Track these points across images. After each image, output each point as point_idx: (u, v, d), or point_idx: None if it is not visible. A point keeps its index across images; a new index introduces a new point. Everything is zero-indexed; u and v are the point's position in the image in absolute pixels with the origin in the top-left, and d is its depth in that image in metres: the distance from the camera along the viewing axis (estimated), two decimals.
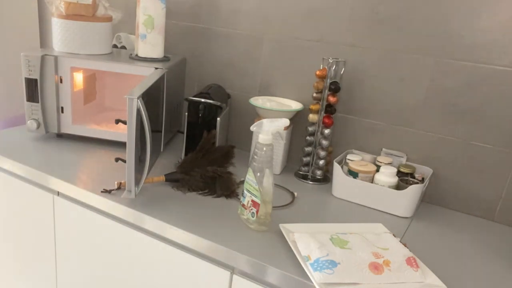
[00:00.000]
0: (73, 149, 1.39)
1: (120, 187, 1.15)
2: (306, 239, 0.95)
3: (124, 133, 1.07)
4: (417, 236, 1.09)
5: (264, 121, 1.00)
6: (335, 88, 1.28)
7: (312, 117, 1.32)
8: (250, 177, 1.01)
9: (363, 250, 0.93)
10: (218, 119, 1.35)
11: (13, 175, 1.32)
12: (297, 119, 1.42)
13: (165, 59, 1.45)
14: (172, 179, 1.21)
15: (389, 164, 1.26)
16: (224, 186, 1.20)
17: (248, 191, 1.02)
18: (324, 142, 1.31)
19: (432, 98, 1.23)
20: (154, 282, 1.13)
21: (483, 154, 1.20)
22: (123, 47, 1.66)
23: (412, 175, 1.24)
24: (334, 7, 1.30)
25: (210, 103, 1.34)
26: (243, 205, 1.05)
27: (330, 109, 1.30)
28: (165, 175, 1.21)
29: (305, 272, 0.88)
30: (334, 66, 1.29)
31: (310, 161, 1.36)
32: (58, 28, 1.38)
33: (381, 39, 1.26)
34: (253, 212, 1.02)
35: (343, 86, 1.34)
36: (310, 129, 1.34)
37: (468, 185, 1.23)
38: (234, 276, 0.99)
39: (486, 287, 0.92)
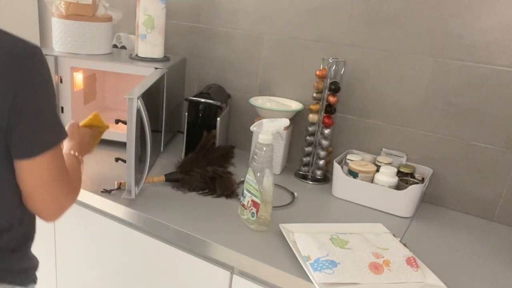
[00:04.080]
0: None
1: (120, 187, 1.15)
2: (306, 239, 0.95)
3: (124, 133, 1.07)
4: (417, 236, 1.09)
5: (264, 121, 1.00)
6: (335, 88, 1.28)
7: (312, 117, 1.32)
8: (250, 177, 1.01)
9: (363, 250, 0.93)
10: (218, 119, 1.35)
11: None
12: (297, 119, 1.42)
13: (165, 59, 1.45)
14: (172, 179, 1.21)
15: (389, 164, 1.26)
16: (224, 186, 1.20)
17: (248, 191, 1.02)
18: (324, 142, 1.31)
19: (432, 98, 1.23)
20: (154, 282, 1.13)
21: (483, 154, 1.20)
22: (123, 47, 1.66)
23: (412, 175, 1.24)
24: (334, 7, 1.30)
25: (210, 103, 1.34)
26: (243, 205, 1.05)
27: (330, 109, 1.30)
28: (165, 175, 1.21)
29: (305, 272, 0.88)
30: (334, 66, 1.29)
31: (310, 161, 1.36)
32: (58, 28, 1.38)
33: (381, 39, 1.26)
34: (253, 212, 1.02)
35: (343, 86, 1.34)
36: (310, 129, 1.34)
37: (468, 185, 1.23)
38: (234, 276, 0.99)
39: (485, 287, 0.92)
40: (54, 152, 0.75)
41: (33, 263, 0.88)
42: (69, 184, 0.81)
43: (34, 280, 0.88)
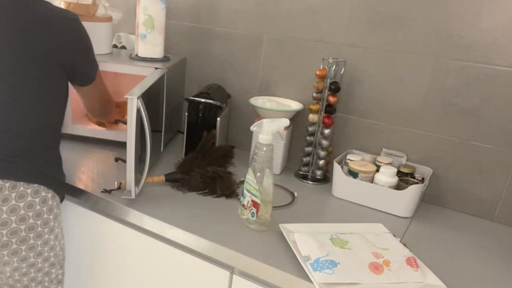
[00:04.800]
0: (73, 149, 1.39)
1: (120, 187, 1.15)
2: (306, 239, 0.95)
3: (124, 133, 1.07)
4: (417, 236, 1.09)
5: (264, 121, 1.00)
6: (335, 88, 1.28)
7: (312, 117, 1.32)
8: (250, 177, 1.01)
9: (363, 250, 0.93)
10: (218, 119, 1.35)
11: None
12: (297, 119, 1.42)
13: (165, 59, 1.45)
14: (172, 179, 1.21)
15: (389, 164, 1.26)
16: (224, 186, 1.20)
17: (248, 191, 1.02)
18: (324, 142, 1.31)
19: (432, 98, 1.23)
20: (154, 282, 1.13)
21: (483, 154, 1.20)
22: (123, 47, 1.66)
23: (412, 175, 1.24)
24: (334, 7, 1.30)
25: (210, 103, 1.34)
26: (243, 205, 1.05)
27: (330, 109, 1.30)
28: (165, 175, 1.21)
29: (305, 272, 0.88)
30: (334, 66, 1.29)
31: (310, 161, 1.36)
32: None
33: (381, 39, 1.26)
34: (253, 212, 1.02)
35: (343, 86, 1.34)
36: (310, 129, 1.34)
37: (468, 185, 1.23)
38: (234, 276, 0.99)
39: (485, 287, 0.92)
40: (98, 79, 1.18)
41: (65, 181, 1.13)
42: (111, 98, 1.29)
43: (64, 196, 1.11)
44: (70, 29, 1.04)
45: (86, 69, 1.12)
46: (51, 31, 1.00)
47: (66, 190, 1.13)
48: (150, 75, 1.27)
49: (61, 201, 1.09)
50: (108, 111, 1.28)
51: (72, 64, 1.06)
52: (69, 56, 1.04)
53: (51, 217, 1.03)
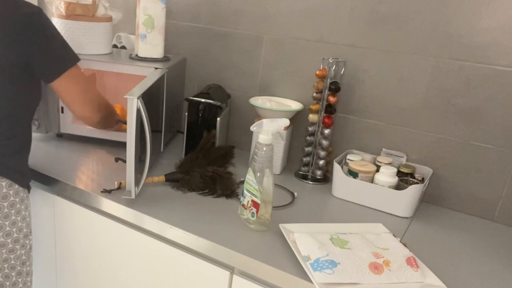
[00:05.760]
0: (73, 149, 1.39)
1: (120, 187, 1.15)
2: (306, 239, 0.95)
3: (124, 133, 1.07)
4: (417, 236, 1.09)
5: (264, 121, 1.00)
6: (335, 88, 1.28)
7: (312, 117, 1.32)
8: (250, 177, 1.01)
9: (363, 250, 0.93)
10: (218, 119, 1.35)
11: None
12: (297, 119, 1.42)
13: (165, 59, 1.45)
14: (172, 179, 1.21)
15: (389, 164, 1.26)
16: (224, 186, 1.20)
17: (248, 191, 1.02)
18: (324, 142, 1.31)
19: (432, 98, 1.23)
20: (153, 282, 1.13)
21: (483, 154, 1.20)
22: (123, 47, 1.66)
23: (412, 175, 1.24)
24: (334, 7, 1.30)
25: (210, 103, 1.34)
26: (243, 205, 1.05)
27: (330, 109, 1.30)
28: (165, 175, 1.21)
29: (305, 272, 0.88)
30: (334, 66, 1.29)
31: (310, 161, 1.36)
32: (58, 28, 1.37)
33: (381, 39, 1.26)
34: (253, 212, 1.02)
35: (343, 86, 1.34)
36: (310, 129, 1.34)
37: (468, 185, 1.23)
38: (234, 276, 0.99)
39: (485, 287, 0.92)
40: (72, 72, 1.09)
41: (29, 172, 1.14)
42: (97, 95, 1.17)
43: (28, 187, 1.13)
44: (25, 24, 1.00)
45: (44, 63, 1.06)
46: (4, 27, 0.98)
47: (42, 181, 1.20)
48: (150, 75, 1.27)
49: (29, 190, 1.13)
50: (99, 116, 1.18)
51: (27, 57, 1.02)
52: (21, 50, 1.01)
53: (5, 204, 1.06)
